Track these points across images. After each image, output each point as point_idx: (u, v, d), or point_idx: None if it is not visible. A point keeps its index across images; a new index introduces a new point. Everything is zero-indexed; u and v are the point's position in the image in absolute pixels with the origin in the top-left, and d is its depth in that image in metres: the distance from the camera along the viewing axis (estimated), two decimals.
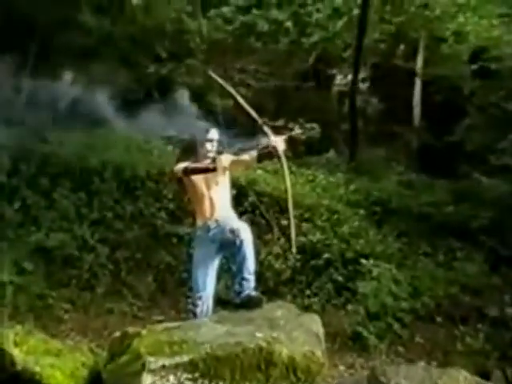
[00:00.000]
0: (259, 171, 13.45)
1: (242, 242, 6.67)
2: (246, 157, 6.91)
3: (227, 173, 7.17)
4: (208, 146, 7.06)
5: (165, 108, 7.21)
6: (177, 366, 5.34)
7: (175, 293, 10.80)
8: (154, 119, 7.26)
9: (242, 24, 16.19)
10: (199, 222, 7.13)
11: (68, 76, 9.59)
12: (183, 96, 7.42)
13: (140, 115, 7.36)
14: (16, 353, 6.32)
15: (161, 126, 7.66)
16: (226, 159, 6.88)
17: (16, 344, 6.50)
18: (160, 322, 8.23)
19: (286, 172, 6.86)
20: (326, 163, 15.83)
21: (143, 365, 5.32)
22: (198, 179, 7.05)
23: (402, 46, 17.55)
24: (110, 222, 11.58)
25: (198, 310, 6.96)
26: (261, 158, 6.87)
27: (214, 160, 7.02)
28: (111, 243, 11.36)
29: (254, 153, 6.84)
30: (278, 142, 6.76)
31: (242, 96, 7.34)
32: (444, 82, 15.50)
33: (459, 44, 15.40)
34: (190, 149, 7.17)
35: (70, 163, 11.86)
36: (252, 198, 12.09)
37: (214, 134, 7.10)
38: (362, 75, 16.83)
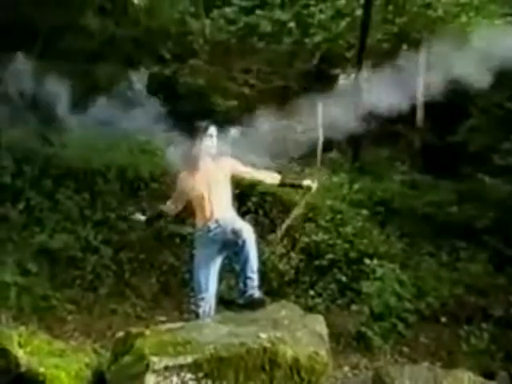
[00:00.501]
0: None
1: (244, 241, 6.66)
2: (265, 175, 7.20)
3: (228, 174, 7.17)
4: (208, 142, 7.06)
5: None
6: (180, 367, 5.32)
7: (178, 293, 10.78)
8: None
9: (246, 24, 16.20)
10: (199, 223, 7.13)
11: None
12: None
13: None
14: (20, 354, 6.29)
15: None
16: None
17: (20, 345, 6.47)
18: (163, 322, 8.21)
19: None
20: (329, 163, 15.81)
21: (147, 365, 5.30)
22: (199, 181, 7.04)
23: (404, 46, 17.51)
24: (114, 223, 11.57)
25: (201, 311, 6.96)
26: (283, 185, 7.23)
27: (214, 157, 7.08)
28: (115, 244, 11.35)
29: (277, 176, 7.32)
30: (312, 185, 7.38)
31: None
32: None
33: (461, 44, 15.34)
34: (191, 148, 7.18)
35: (74, 164, 11.84)
36: (255, 198, 12.06)
37: (213, 130, 7.10)
38: (365, 75, 16.78)
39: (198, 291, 7.01)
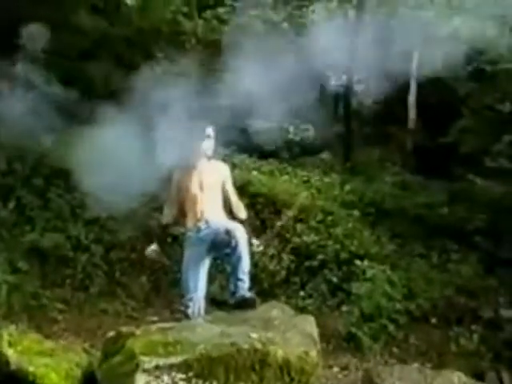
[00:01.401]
0: (254, 172, 13.45)
1: (237, 242, 6.67)
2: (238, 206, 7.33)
3: (221, 176, 7.19)
4: (206, 143, 7.07)
5: None
6: (171, 367, 5.32)
7: (169, 293, 10.77)
8: None
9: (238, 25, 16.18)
10: (190, 224, 7.14)
11: None
12: None
13: None
14: (10, 353, 6.30)
15: None
16: None
17: (10, 344, 6.47)
18: (154, 322, 8.21)
19: None
20: (321, 164, 15.83)
21: (137, 365, 5.30)
22: (193, 181, 7.05)
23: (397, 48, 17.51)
24: (104, 223, 11.54)
25: (190, 311, 6.96)
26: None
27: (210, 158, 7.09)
28: (105, 243, 11.33)
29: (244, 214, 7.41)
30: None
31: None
32: (439, 83, 15.50)
33: (454, 46, 15.36)
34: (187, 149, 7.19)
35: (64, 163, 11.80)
36: (246, 200, 12.06)
37: (210, 131, 7.11)
38: (356, 76, 16.81)
39: (187, 291, 7.02)
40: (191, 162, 7.13)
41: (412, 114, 17.26)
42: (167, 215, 7.31)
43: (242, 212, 7.35)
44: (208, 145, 7.09)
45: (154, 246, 7.32)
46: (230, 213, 7.27)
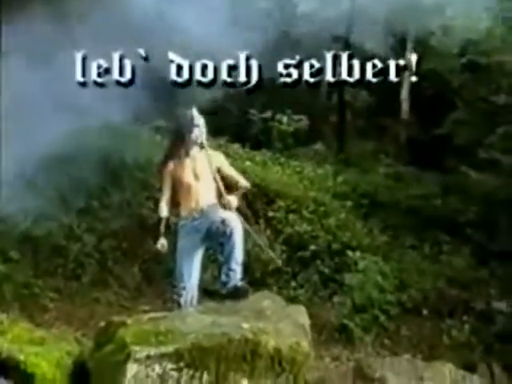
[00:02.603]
0: (248, 163, 13.45)
1: (232, 231, 6.69)
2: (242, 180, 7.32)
3: (215, 163, 7.18)
4: (196, 131, 7.06)
5: None
6: (162, 356, 5.33)
7: (161, 283, 10.77)
8: None
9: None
10: (184, 212, 7.14)
11: None
12: None
13: None
14: (0, 341, 6.29)
15: None
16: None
17: (1, 333, 6.47)
18: (146, 311, 8.20)
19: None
20: (314, 155, 15.85)
21: (128, 354, 5.30)
22: (186, 171, 7.06)
23: (390, 39, 17.51)
24: (97, 212, 11.52)
25: (182, 300, 6.97)
26: None
27: (202, 146, 7.08)
28: (98, 233, 11.31)
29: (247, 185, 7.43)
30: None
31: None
32: (433, 75, 15.49)
33: (448, 37, 15.38)
34: (178, 138, 7.18)
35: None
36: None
37: (199, 119, 7.10)
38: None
39: (180, 280, 7.02)
40: (183, 152, 7.12)
41: (405, 105, 17.27)
42: (163, 208, 7.30)
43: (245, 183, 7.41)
44: (198, 133, 7.07)
45: (162, 240, 7.30)
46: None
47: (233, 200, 7.12)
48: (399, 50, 17.22)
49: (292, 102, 15.99)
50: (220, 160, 7.28)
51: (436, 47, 15.77)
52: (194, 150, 7.11)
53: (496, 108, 13.49)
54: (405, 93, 17.17)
